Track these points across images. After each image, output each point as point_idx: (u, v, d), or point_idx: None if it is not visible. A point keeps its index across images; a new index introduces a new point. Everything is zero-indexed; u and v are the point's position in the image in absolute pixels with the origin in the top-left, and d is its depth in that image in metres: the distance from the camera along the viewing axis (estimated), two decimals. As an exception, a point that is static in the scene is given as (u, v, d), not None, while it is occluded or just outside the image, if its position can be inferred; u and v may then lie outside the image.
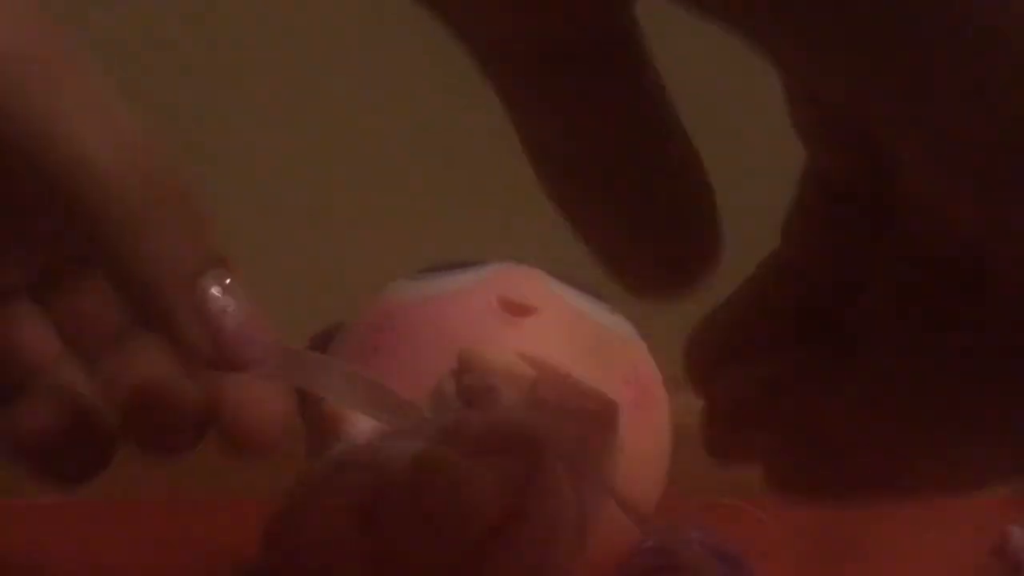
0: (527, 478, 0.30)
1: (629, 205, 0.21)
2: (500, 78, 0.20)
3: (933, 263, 0.21)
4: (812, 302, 0.24)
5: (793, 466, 0.23)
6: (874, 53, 0.16)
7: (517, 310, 0.41)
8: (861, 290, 0.23)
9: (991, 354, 0.20)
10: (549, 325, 0.41)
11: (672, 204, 0.21)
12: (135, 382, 0.33)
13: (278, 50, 0.63)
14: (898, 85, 0.16)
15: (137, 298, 0.27)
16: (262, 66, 0.63)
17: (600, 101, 0.20)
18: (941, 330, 0.21)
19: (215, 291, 0.27)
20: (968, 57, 0.15)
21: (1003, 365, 0.19)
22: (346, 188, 0.64)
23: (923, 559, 0.49)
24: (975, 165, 0.16)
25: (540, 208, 0.22)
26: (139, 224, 0.27)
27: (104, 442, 0.33)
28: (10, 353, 0.32)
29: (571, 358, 0.39)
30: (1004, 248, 0.17)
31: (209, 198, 0.28)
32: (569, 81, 0.20)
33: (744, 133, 0.58)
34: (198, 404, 0.32)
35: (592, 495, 0.32)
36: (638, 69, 0.20)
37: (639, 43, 0.20)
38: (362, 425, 0.34)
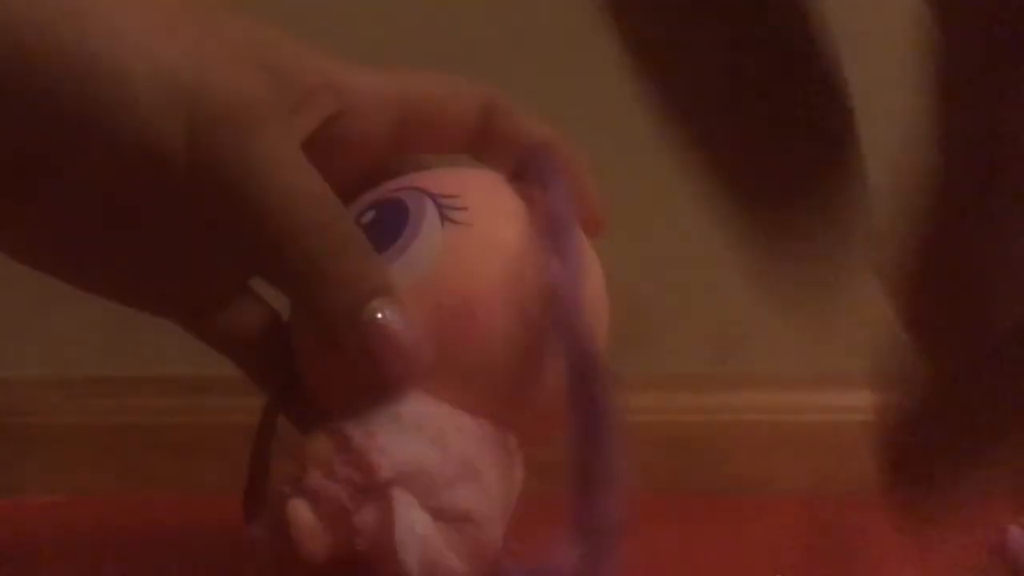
0: None
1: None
2: None
3: None
4: None
5: None
6: None
7: None
8: None
9: None
10: None
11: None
12: None
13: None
14: None
15: (313, 312, 0.35)
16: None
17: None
18: None
19: (380, 315, 0.34)
20: None
21: None
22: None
23: (923, 559, 0.49)
24: None
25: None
26: (323, 259, 0.34)
27: None
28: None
29: None
30: None
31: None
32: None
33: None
34: None
35: None
36: None
37: None
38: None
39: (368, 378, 0.35)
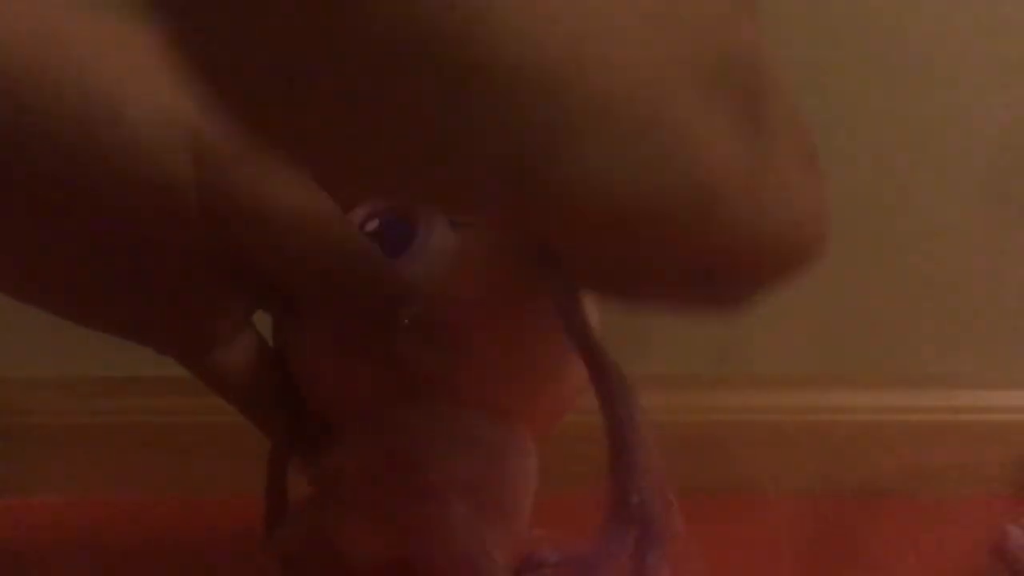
0: None
1: None
2: None
3: None
4: None
5: None
6: None
7: None
8: None
9: None
10: None
11: None
12: None
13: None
14: None
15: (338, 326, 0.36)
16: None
17: None
18: None
19: (408, 321, 0.35)
20: None
21: None
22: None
23: (923, 559, 0.49)
24: None
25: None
26: (343, 271, 0.35)
27: None
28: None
29: None
30: None
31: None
32: None
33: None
34: None
35: None
36: None
37: None
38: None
39: (398, 384, 0.35)
